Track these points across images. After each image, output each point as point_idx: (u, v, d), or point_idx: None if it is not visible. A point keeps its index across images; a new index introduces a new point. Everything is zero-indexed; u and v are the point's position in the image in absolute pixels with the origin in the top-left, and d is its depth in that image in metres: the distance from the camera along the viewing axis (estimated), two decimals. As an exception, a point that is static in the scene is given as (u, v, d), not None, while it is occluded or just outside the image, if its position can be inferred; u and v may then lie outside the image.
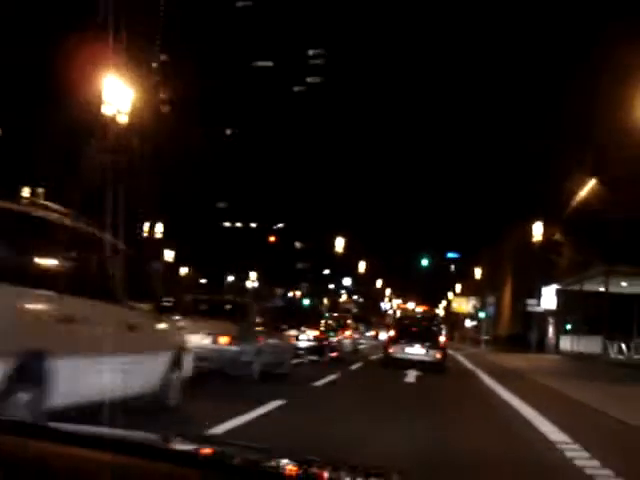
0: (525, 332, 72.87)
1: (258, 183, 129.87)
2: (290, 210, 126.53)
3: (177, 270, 74.80)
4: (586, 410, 13.25)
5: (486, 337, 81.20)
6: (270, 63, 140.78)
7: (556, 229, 43.41)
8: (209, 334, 12.75)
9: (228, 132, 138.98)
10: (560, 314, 43.00)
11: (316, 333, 24.75)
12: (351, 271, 78.30)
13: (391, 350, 22.77)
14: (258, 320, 15.07)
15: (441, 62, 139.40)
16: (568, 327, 41.43)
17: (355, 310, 77.14)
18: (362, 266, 72.83)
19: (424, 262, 47.74)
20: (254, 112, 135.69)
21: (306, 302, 54.91)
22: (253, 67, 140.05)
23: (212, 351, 12.43)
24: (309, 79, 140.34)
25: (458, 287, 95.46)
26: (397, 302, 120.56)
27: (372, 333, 56.43)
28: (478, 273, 69.90)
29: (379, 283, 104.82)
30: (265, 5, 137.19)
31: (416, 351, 22.16)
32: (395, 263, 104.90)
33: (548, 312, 43.64)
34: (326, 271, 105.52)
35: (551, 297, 42.28)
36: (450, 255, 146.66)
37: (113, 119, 24.09)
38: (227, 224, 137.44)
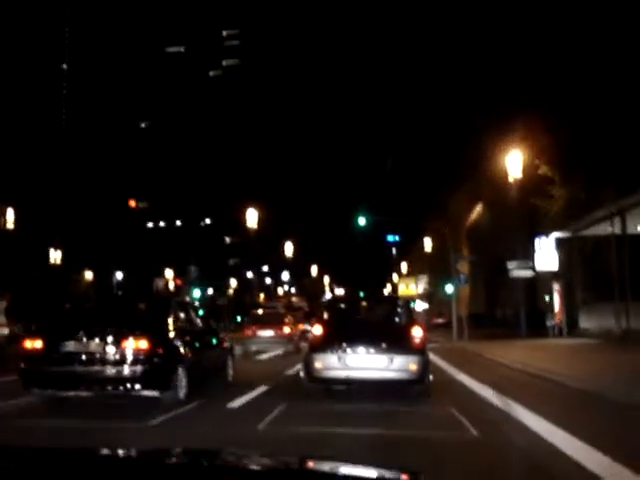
0: (492, 310, 59.03)
1: (178, 178, 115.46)
2: (215, 204, 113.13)
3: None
4: None
5: (440, 320, 66.93)
6: (182, 49, 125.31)
7: (542, 159, 29.10)
8: None
9: (142, 125, 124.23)
10: (562, 277, 28.72)
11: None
12: (278, 255, 63.31)
13: (317, 364, 10.60)
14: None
15: (355, 38, 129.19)
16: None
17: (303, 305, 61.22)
18: (289, 248, 57.97)
19: (361, 222, 31.94)
20: (169, 102, 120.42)
21: (196, 293, 39.75)
22: (165, 54, 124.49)
23: None
24: (225, 62, 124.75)
25: (404, 267, 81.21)
26: (339, 291, 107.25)
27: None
28: (428, 244, 55.67)
29: (314, 270, 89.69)
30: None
31: (368, 361, 10.47)
32: (328, 238, 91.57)
33: (545, 275, 29.28)
34: (264, 267, 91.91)
35: (548, 253, 27.90)
36: (390, 238, 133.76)
37: None
38: (150, 224, 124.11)
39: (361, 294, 47.08)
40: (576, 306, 27.80)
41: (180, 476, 1.68)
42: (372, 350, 10.44)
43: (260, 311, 28.98)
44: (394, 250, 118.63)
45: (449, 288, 31.56)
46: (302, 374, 11.01)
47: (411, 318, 11.81)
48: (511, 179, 30.17)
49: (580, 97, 29.61)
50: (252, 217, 42.13)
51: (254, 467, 1.98)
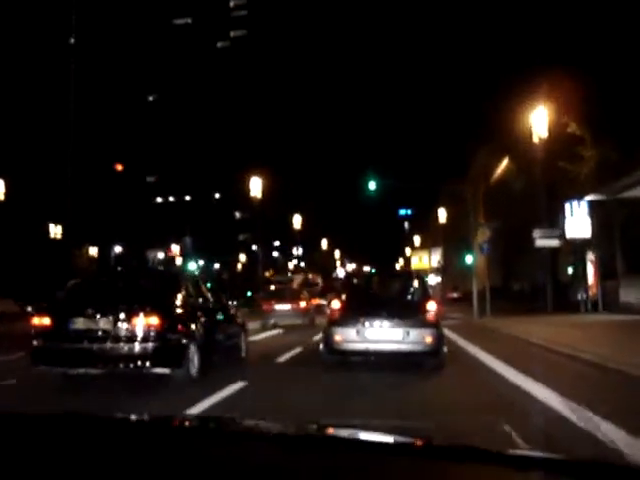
0: (508, 283, 55.99)
1: (187, 151, 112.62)
2: (224, 178, 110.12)
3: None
4: None
5: (455, 295, 63.94)
6: (189, 20, 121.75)
7: (570, 116, 26.00)
8: None
9: (150, 98, 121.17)
10: (597, 246, 25.62)
11: None
12: (286, 228, 60.07)
13: (337, 337, 10.96)
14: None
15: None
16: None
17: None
18: (297, 221, 54.95)
19: (371, 186, 28.71)
20: (177, 74, 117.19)
21: (191, 266, 36.25)
22: (172, 26, 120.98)
23: None
24: (233, 33, 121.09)
25: (417, 240, 78.17)
26: (351, 267, 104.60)
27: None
28: (443, 215, 52.50)
29: (324, 244, 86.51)
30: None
31: (385, 334, 10.71)
32: (339, 210, 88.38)
33: (575, 244, 26.06)
34: (275, 242, 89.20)
35: (580, 220, 24.75)
36: (402, 212, 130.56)
37: None
38: (159, 199, 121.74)
39: (373, 270, 48.14)
40: (613, 278, 24.77)
41: (194, 441, 1.64)
42: (389, 323, 10.74)
43: (274, 286, 30.45)
44: (406, 224, 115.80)
45: (468, 259, 28.63)
46: (321, 346, 11.52)
47: (425, 292, 11.84)
48: (536, 139, 27.20)
49: (610, 48, 26.54)
50: (256, 186, 39.32)
51: (271, 432, 1.92)
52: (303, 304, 26.81)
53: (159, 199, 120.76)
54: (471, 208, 30.14)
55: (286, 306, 26.13)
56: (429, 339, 10.55)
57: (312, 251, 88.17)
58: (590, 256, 26.20)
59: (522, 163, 35.11)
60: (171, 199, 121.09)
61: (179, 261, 78.11)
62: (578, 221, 25.18)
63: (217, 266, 68.39)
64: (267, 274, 61.65)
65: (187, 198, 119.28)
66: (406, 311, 11.12)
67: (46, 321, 9.46)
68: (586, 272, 26.23)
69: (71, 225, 54.72)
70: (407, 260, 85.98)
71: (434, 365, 10.53)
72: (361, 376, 10.19)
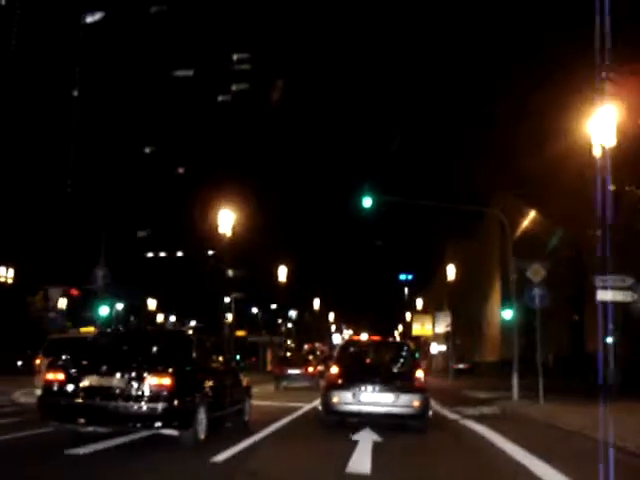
0: (528, 353, 46.89)
1: (180, 207, 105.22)
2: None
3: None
4: None
5: (461, 366, 54.68)
6: (190, 72, 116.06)
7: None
8: None
9: (147, 150, 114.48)
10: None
11: None
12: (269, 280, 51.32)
13: (334, 399, 11.87)
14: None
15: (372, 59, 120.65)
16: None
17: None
18: (283, 273, 46.24)
19: (366, 203, 20.06)
20: (176, 126, 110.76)
21: (103, 311, 28.36)
22: (172, 78, 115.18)
23: None
24: (234, 86, 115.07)
25: (419, 303, 69.27)
26: (348, 333, 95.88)
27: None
28: (451, 272, 43.90)
29: (317, 304, 77.38)
30: (181, 9, 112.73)
31: (377, 398, 11.72)
32: (333, 266, 79.84)
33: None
34: (273, 305, 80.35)
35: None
36: (403, 277, 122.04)
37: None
38: (150, 254, 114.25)
39: (367, 337, 45.31)
40: None
41: None
42: (381, 388, 11.76)
43: (286, 353, 36.33)
44: (406, 290, 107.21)
45: (507, 314, 19.88)
46: (320, 407, 12.73)
47: (414, 361, 12.81)
48: (597, 149, 18.85)
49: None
50: (226, 221, 31.04)
51: None
52: (311, 369, 29.05)
53: (150, 254, 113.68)
54: (508, 242, 21.38)
55: (296, 370, 28.51)
56: (417, 403, 11.57)
57: (302, 311, 79.24)
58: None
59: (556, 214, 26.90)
60: (162, 254, 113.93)
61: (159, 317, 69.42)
62: None
63: (193, 323, 60.02)
64: (239, 333, 53.01)
65: (179, 254, 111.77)
66: (397, 377, 12.21)
67: (60, 376, 9.22)
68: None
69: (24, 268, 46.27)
70: (407, 326, 77.18)
71: (420, 427, 11.52)
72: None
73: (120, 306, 54.59)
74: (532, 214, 39.01)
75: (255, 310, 69.45)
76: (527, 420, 13.68)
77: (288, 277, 48.91)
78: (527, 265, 16.97)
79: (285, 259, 48.61)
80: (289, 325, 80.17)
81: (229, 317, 76.18)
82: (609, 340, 29.79)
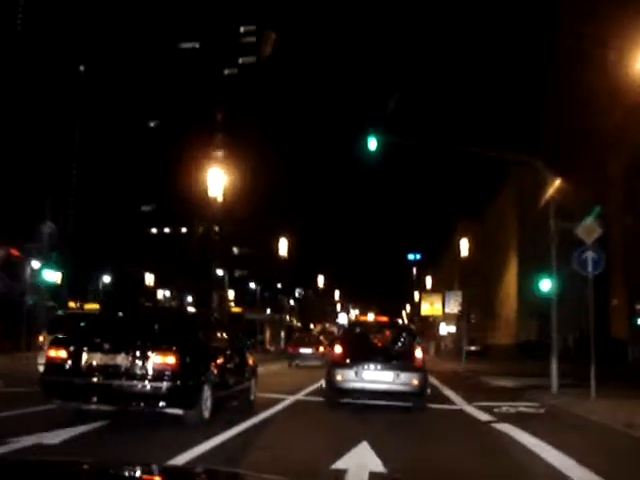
0: (543, 336, 43.21)
1: (185, 181, 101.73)
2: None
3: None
4: None
5: (473, 348, 51.13)
6: (197, 45, 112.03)
7: None
8: None
9: (152, 124, 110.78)
10: None
11: None
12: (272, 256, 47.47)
13: (338, 378, 12.25)
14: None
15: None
16: None
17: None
18: (284, 244, 42.34)
19: (371, 145, 16.00)
20: (182, 100, 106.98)
21: (50, 275, 24.15)
22: (178, 50, 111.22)
23: None
24: (241, 59, 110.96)
25: (428, 282, 65.63)
26: (354, 312, 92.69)
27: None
28: (465, 247, 40.30)
29: (321, 280, 73.52)
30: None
31: (378, 376, 12.16)
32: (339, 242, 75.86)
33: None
34: (278, 285, 77.01)
35: None
36: (411, 257, 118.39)
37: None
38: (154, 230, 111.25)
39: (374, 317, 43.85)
40: None
41: None
42: (382, 367, 12.14)
43: (299, 333, 37.57)
44: (415, 270, 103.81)
45: (545, 285, 16.13)
46: (324, 384, 13.12)
47: (414, 341, 13.10)
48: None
49: None
50: (216, 183, 27.71)
51: None
52: (322, 349, 29.83)
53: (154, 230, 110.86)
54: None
55: (308, 350, 29.87)
56: (416, 381, 11.95)
57: (306, 289, 75.71)
58: None
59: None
60: (167, 230, 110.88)
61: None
62: None
63: (190, 298, 56.76)
64: (235, 309, 49.60)
65: (184, 230, 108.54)
66: (397, 357, 12.55)
67: (62, 354, 8.92)
68: None
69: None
70: (416, 306, 73.78)
71: (417, 405, 11.76)
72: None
73: (108, 279, 51.22)
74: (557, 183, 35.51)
75: (253, 286, 65.90)
76: (592, 426, 9.90)
77: (290, 251, 45.35)
78: (574, 225, 13.39)
79: (287, 232, 44.97)
80: (292, 303, 76.73)
81: (231, 294, 73.16)
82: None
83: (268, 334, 42.83)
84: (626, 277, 36.65)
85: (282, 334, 51.45)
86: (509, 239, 44.58)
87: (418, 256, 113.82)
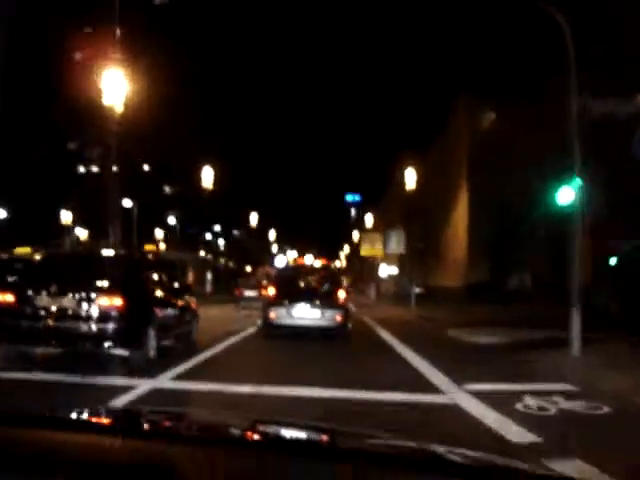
0: (498, 278, 39.18)
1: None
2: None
3: None
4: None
5: (417, 290, 47.14)
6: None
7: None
8: None
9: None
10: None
11: None
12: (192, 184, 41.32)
13: (272, 315, 15.05)
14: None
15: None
16: None
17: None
18: (208, 174, 36.35)
19: None
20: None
21: None
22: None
23: None
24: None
25: (369, 220, 61.15)
26: (292, 254, 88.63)
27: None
28: (412, 178, 35.63)
29: (254, 218, 67.56)
30: None
31: (307, 314, 14.91)
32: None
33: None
34: (217, 227, 70.97)
35: None
36: (349, 198, 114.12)
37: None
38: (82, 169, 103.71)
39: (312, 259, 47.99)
40: None
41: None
42: (310, 305, 14.66)
43: (243, 278, 40.00)
44: (353, 212, 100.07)
45: (564, 196, 11.26)
46: (259, 321, 15.89)
47: (338, 283, 16.06)
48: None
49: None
50: (112, 85, 22.20)
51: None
52: (264, 291, 30.20)
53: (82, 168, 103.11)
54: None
55: (252, 293, 32.15)
56: (339, 318, 14.61)
57: (237, 227, 70.14)
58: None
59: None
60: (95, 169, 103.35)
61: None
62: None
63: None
64: (147, 247, 43.83)
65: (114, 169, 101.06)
66: (323, 297, 15.02)
67: (9, 298, 8.93)
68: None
69: None
70: (355, 247, 69.61)
71: (342, 336, 14.35)
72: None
73: (3, 214, 44.60)
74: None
75: (173, 222, 60.04)
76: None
77: (217, 183, 39.85)
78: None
79: (212, 161, 39.37)
80: (220, 242, 70.84)
81: (159, 233, 67.24)
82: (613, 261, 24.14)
83: (191, 276, 37.91)
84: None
85: (209, 276, 46.27)
86: (459, 174, 40.20)
87: (357, 197, 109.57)
